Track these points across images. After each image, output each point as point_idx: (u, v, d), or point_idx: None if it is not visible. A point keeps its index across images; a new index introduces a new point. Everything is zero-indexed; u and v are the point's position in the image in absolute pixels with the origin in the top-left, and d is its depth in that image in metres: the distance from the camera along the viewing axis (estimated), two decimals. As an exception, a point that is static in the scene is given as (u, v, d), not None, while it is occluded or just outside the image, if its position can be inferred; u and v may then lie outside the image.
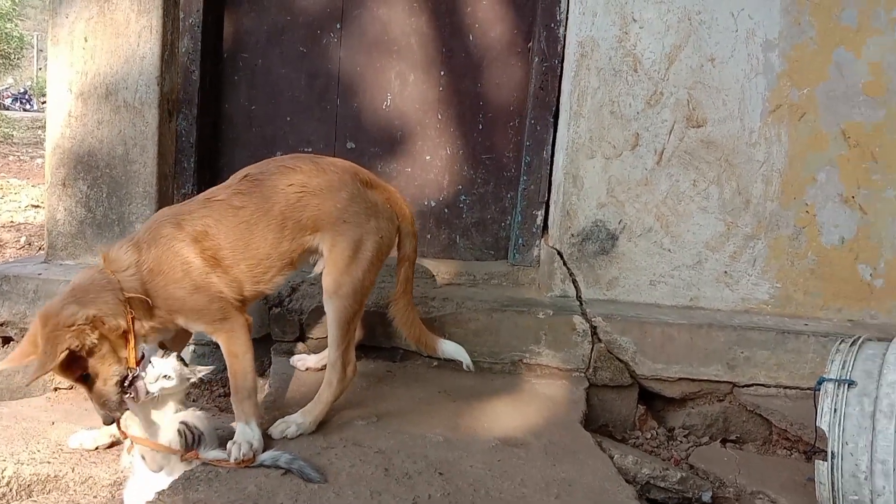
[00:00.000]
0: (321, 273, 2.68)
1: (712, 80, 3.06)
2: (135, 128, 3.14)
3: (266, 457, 2.23)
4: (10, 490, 2.39)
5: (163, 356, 2.34)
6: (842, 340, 2.32)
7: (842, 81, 3.04)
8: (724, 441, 3.05)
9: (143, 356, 2.36)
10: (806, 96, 3.06)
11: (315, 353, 3.02)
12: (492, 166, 3.46)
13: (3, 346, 3.21)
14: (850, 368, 2.18)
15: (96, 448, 2.58)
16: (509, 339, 3.03)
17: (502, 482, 2.23)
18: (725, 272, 3.16)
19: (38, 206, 8.77)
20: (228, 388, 3.11)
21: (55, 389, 3.15)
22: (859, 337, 2.30)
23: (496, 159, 3.45)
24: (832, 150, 3.08)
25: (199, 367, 2.42)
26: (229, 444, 2.24)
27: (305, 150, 3.45)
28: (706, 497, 2.53)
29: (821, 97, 3.06)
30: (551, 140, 3.27)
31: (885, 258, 3.12)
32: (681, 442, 3.03)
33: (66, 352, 2.17)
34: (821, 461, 2.15)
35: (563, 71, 3.22)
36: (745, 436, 3.07)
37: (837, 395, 2.16)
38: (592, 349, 3.02)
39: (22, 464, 2.43)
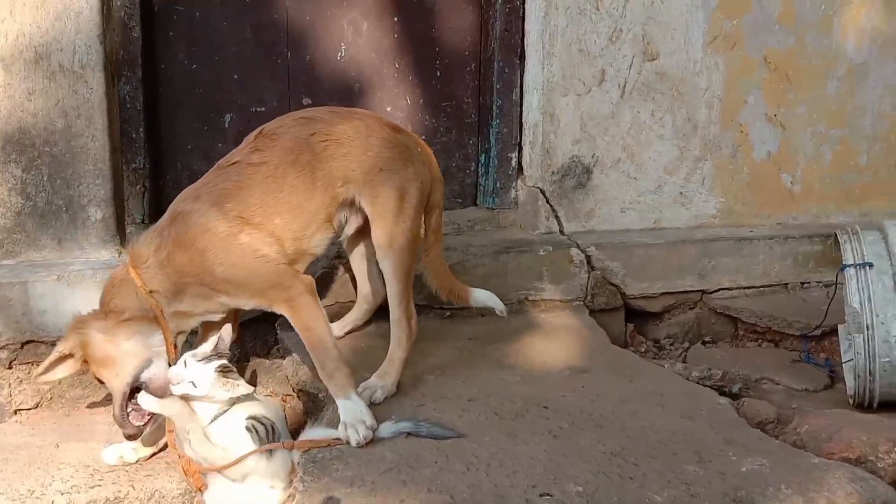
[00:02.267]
0: (348, 237, 2.56)
1: (661, 16, 3.29)
2: (77, 96, 2.68)
3: (386, 431, 2.11)
4: (69, 525, 2.03)
5: (205, 360, 2.09)
6: (842, 231, 2.70)
7: (762, 12, 3.43)
8: (702, 343, 3.39)
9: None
10: (736, 27, 3.41)
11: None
12: (452, 113, 3.44)
13: (-62, 375, 2.64)
14: (862, 254, 2.56)
15: (137, 461, 2.27)
16: (515, 279, 3.09)
17: (604, 404, 2.32)
18: (681, 193, 3.47)
19: None
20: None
21: (16, 412, 2.68)
22: (856, 228, 2.68)
23: (456, 105, 3.43)
24: (757, 75, 3.48)
25: (243, 384, 2.11)
26: (341, 427, 2.08)
27: (258, 109, 3.18)
28: (735, 389, 2.84)
29: (746, 27, 3.42)
30: (519, 81, 3.32)
31: (800, 167, 3.61)
32: (669, 350, 3.32)
33: (57, 358, 2.19)
34: (856, 334, 2.51)
35: (526, 12, 3.27)
36: (716, 336, 3.43)
37: (861, 277, 2.52)
38: (589, 278, 3.19)
39: (66, 493, 2.08)
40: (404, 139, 2.47)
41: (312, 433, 2.12)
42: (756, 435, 2.14)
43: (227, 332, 2.14)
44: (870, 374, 2.52)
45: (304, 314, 2.21)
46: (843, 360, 2.93)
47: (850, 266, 2.56)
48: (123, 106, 2.90)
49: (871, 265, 2.52)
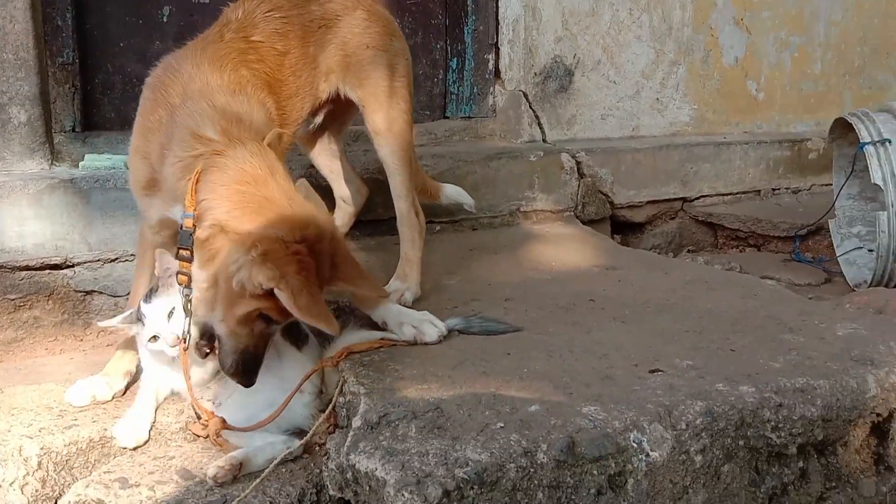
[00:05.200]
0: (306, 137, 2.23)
1: None
2: (-13, -37, 2.15)
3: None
4: (47, 472, 1.59)
5: None
6: (851, 115, 2.62)
7: None
8: (687, 252, 3.28)
9: None
10: (706, -76, 3.29)
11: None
12: (418, 13, 3.10)
13: None
14: (879, 132, 2.48)
15: (113, 397, 1.83)
16: (506, 188, 2.84)
17: (653, 293, 2.11)
18: (657, 99, 3.33)
19: None
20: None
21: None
22: (864, 110, 2.61)
23: (422, 4, 3.10)
24: (726, -24, 3.39)
25: None
26: (397, 328, 1.77)
27: (201, 1, 2.72)
28: (749, 284, 2.72)
29: (716, -75, 3.32)
30: (495, -26, 3.04)
31: (764, 73, 3.57)
32: (658, 261, 3.17)
33: None
34: (881, 213, 2.44)
35: None
36: (697, 245, 3.33)
37: (881, 154, 2.44)
38: (579, 186, 2.98)
39: (35, 436, 1.63)
40: (384, 11, 2.17)
41: (349, 339, 1.77)
42: (827, 306, 2.01)
43: None
44: (893, 252, 2.45)
45: None
46: (838, 255, 2.89)
47: (868, 144, 2.48)
48: (43, -16, 2.37)
49: (889, 141, 2.45)
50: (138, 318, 1.67)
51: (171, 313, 1.63)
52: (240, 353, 1.52)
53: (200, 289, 1.53)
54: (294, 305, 1.38)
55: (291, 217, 1.45)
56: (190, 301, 1.55)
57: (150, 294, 1.65)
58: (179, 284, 1.57)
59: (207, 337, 1.62)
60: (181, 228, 1.53)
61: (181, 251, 1.54)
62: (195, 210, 1.50)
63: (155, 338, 1.65)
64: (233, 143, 1.51)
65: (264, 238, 1.41)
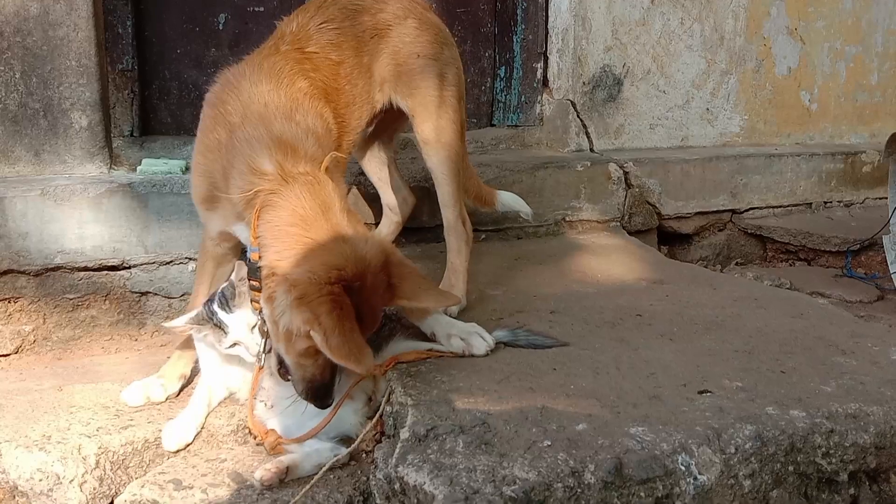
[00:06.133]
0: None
1: (691, -84, 3.09)
2: (55, -26, 2.22)
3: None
4: (104, 471, 1.64)
5: None
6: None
7: (786, -81, 3.28)
8: (735, 265, 3.24)
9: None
10: (762, -68, 3.25)
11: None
12: (467, 21, 3.12)
13: None
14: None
15: (167, 398, 1.88)
16: (552, 197, 2.83)
17: (701, 310, 2.09)
18: (707, 109, 3.29)
19: None
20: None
21: (-9, 357, 2.22)
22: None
23: (471, 13, 3.12)
24: (781, -15, 3.34)
25: None
26: (444, 339, 1.79)
27: (256, 9, 2.78)
28: (796, 299, 2.68)
29: (772, -67, 3.27)
30: (546, -17, 3.04)
31: (818, 84, 3.51)
32: (705, 273, 3.14)
33: None
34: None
35: None
36: (746, 258, 3.28)
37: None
38: (626, 196, 2.96)
39: (93, 436, 1.68)
40: (436, 19, 2.18)
41: (397, 348, 1.79)
42: (880, 328, 1.97)
43: None
44: (950, 272, 2.39)
45: None
46: (891, 271, 2.83)
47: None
48: (107, -7, 2.45)
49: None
50: (206, 320, 1.70)
51: (253, 327, 1.66)
52: (307, 381, 1.56)
53: (267, 322, 1.57)
54: (325, 345, 1.41)
55: (332, 257, 1.47)
56: (265, 322, 1.59)
57: (226, 301, 1.67)
58: (254, 310, 1.62)
59: (284, 364, 1.65)
60: (248, 261, 1.59)
61: (252, 282, 1.59)
62: (258, 244, 1.56)
63: (235, 344, 1.68)
64: (286, 181, 1.55)
65: (300, 282, 1.44)
